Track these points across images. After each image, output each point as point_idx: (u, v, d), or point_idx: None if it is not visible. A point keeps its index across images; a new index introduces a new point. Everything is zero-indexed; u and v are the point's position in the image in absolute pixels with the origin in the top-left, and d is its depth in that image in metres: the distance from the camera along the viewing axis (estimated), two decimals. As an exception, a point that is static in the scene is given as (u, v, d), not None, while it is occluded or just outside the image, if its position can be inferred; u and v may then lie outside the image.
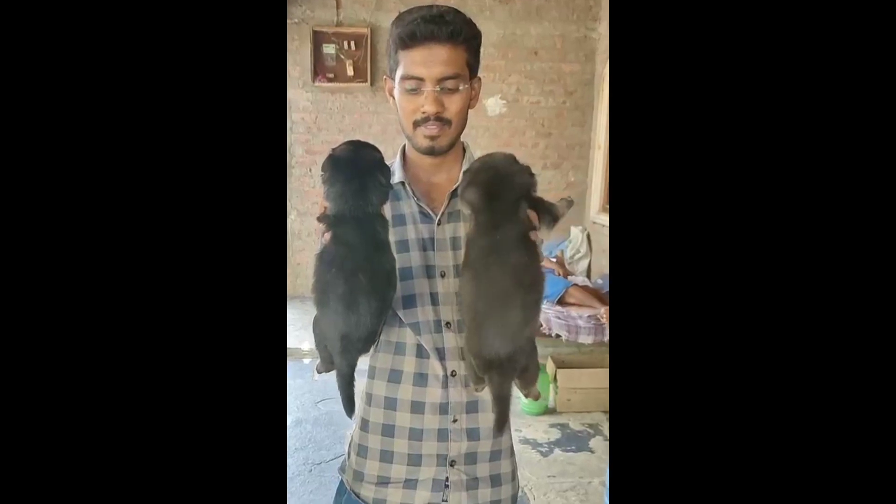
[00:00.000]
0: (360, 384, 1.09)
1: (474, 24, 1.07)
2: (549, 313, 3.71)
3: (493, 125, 5.00)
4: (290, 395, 3.67)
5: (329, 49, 4.83)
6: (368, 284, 0.91)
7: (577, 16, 4.91)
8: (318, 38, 4.80)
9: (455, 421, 1.08)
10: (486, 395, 1.05)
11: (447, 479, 1.08)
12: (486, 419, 1.09)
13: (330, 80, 4.84)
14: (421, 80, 1.03)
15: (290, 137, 4.95)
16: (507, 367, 0.94)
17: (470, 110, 1.10)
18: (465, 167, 1.11)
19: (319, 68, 4.85)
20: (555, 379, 3.58)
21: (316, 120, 4.95)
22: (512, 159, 0.98)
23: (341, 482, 1.16)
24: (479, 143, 4.85)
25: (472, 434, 1.09)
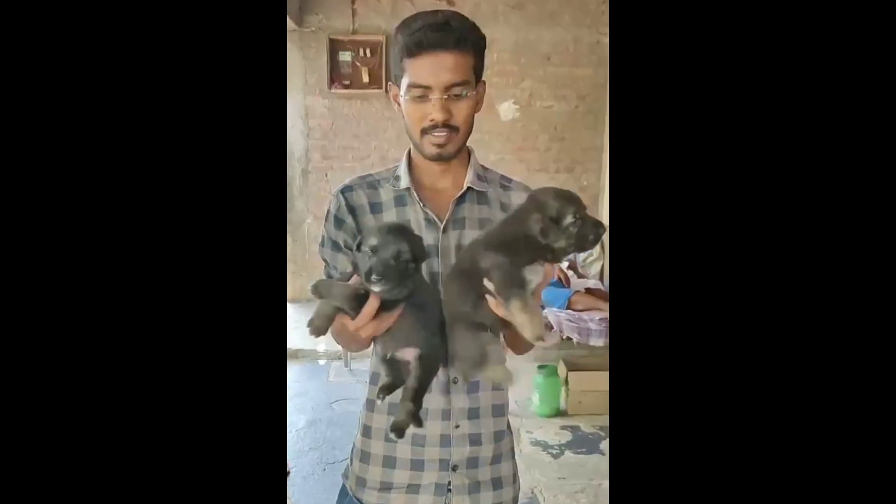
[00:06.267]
0: (362, 391, 1.10)
1: (478, 28, 1.06)
2: (560, 316, 3.74)
3: (507, 130, 5.03)
4: (304, 396, 3.74)
5: (345, 56, 4.90)
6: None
7: (589, 20, 4.93)
8: (334, 47, 4.87)
9: (457, 427, 1.10)
10: (486, 401, 1.12)
11: (449, 483, 1.11)
12: (488, 424, 1.13)
13: (346, 87, 4.91)
14: (428, 88, 1.01)
15: (308, 143, 5.02)
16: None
17: (476, 114, 1.08)
18: (470, 173, 1.13)
19: (335, 75, 4.92)
20: (566, 381, 3.60)
21: (332, 126, 5.01)
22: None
23: (343, 487, 1.18)
24: (493, 147, 4.90)
25: (474, 439, 1.12)
